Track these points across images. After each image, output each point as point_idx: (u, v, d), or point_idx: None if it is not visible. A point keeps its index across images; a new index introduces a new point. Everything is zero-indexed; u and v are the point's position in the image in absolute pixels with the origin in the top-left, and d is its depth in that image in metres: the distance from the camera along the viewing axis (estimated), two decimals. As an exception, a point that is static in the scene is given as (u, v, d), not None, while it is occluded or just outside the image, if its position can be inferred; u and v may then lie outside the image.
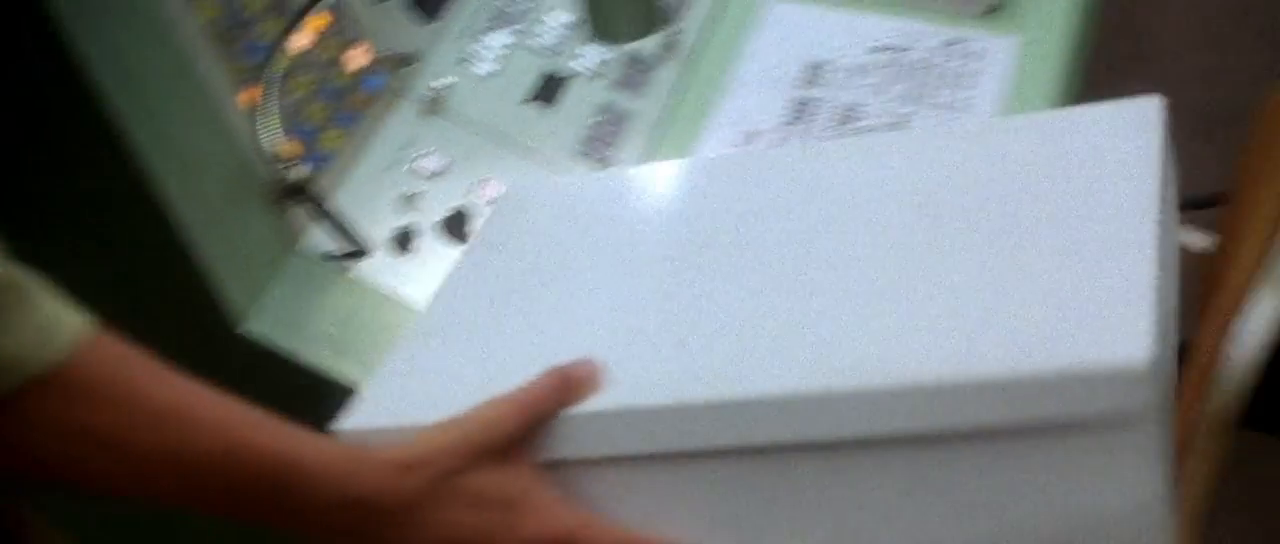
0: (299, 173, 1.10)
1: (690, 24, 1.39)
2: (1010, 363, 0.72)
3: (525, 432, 0.78)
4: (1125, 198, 0.92)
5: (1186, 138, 1.04)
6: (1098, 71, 1.59)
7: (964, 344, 0.74)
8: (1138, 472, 0.74)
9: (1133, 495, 0.74)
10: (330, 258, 1.13)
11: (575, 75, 1.32)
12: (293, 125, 1.13)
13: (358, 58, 1.18)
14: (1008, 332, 0.74)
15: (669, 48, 1.35)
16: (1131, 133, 0.97)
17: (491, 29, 1.33)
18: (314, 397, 1.03)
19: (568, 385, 0.78)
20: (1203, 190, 1.35)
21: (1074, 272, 0.80)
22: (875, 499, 0.77)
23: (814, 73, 1.35)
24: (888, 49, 1.36)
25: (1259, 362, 0.99)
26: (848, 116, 1.30)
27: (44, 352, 0.65)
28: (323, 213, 1.11)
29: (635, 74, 1.35)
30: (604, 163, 1.27)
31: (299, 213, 1.12)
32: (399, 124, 1.24)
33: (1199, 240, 1.29)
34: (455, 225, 1.19)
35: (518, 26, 1.34)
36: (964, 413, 0.72)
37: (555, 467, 0.81)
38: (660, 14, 1.03)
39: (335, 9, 1.18)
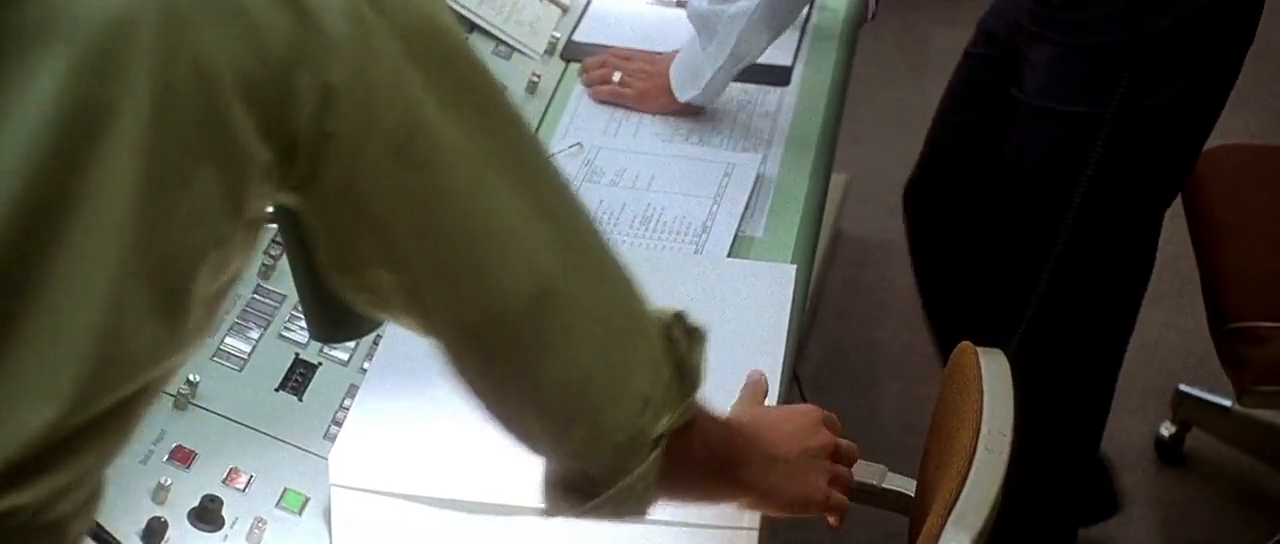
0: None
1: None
2: None
3: None
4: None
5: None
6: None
7: None
8: None
9: None
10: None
11: (324, 362, 1.39)
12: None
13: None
14: None
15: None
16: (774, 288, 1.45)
17: (242, 324, 1.39)
18: None
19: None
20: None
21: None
22: None
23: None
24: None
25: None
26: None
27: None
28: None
29: (381, 358, 1.42)
30: (353, 445, 1.33)
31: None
32: (150, 418, 1.28)
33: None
34: (206, 514, 1.24)
35: (267, 319, 1.41)
36: None
37: None
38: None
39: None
